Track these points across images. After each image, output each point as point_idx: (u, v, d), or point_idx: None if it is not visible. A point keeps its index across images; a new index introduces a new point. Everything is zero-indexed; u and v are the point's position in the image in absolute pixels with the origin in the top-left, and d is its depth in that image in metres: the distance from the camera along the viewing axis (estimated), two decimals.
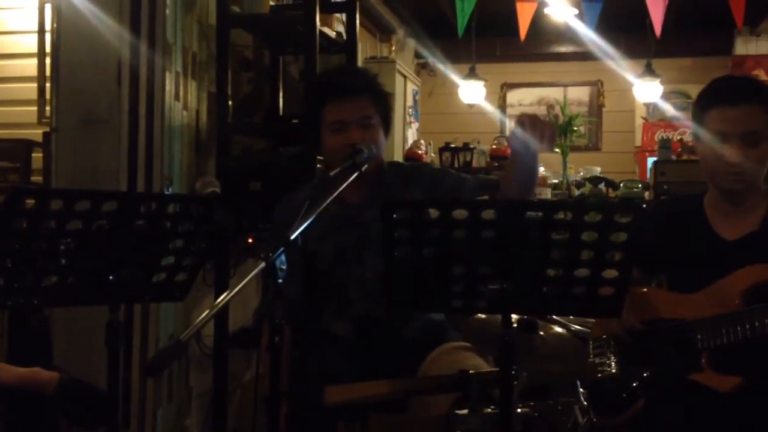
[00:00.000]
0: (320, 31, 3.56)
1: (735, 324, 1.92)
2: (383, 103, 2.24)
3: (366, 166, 2.01)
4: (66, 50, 2.97)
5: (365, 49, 6.49)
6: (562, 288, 1.61)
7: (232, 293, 1.59)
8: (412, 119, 7.04)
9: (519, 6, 5.29)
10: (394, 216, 1.58)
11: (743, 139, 1.97)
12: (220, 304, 1.55)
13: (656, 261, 2.20)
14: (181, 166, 2.96)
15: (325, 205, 1.81)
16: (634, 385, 2.09)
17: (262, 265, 1.61)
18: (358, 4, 3.92)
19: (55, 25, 3.05)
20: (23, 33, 4.62)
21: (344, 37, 3.93)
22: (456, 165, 5.29)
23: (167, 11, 2.83)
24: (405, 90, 6.77)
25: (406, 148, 6.18)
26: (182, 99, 2.98)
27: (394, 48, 7.22)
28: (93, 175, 2.94)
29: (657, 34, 5.14)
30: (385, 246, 1.61)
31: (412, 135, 6.96)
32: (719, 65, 7.27)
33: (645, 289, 2.18)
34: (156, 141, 2.78)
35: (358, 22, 3.96)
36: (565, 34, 6.54)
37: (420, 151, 5.49)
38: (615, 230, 1.52)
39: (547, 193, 5.39)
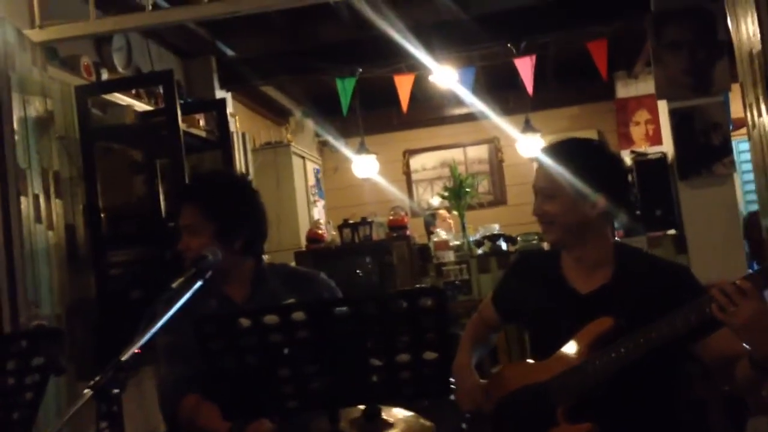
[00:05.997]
0: (186, 132, 3.61)
1: (580, 374, 1.99)
2: (216, 209, 2.23)
3: (210, 273, 2.04)
4: None
5: (260, 135, 6.56)
6: (387, 375, 1.64)
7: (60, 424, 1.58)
8: (317, 198, 7.08)
9: (397, 80, 5.46)
10: (206, 330, 1.59)
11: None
12: None
13: (517, 313, 2.28)
14: (50, 288, 2.92)
15: (167, 317, 1.82)
16: None
17: (89, 393, 1.60)
18: (227, 101, 4.00)
19: None
20: None
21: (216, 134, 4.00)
22: (356, 240, 5.32)
23: (17, 137, 2.83)
24: (305, 170, 6.82)
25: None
26: (45, 220, 2.96)
27: (292, 129, 7.33)
28: None
29: (530, 92, 5.35)
30: (204, 360, 1.62)
31: (318, 213, 6.99)
32: (605, 109, 7.60)
33: (500, 367, 2.31)
34: (17, 267, 2.74)
35: (229, 117, 4.04)
36: (454, 98, 6.73)
37: (320, 231, 5.48)
38: (422, 313, 1.57)
39: (450, 256, 5.45)
